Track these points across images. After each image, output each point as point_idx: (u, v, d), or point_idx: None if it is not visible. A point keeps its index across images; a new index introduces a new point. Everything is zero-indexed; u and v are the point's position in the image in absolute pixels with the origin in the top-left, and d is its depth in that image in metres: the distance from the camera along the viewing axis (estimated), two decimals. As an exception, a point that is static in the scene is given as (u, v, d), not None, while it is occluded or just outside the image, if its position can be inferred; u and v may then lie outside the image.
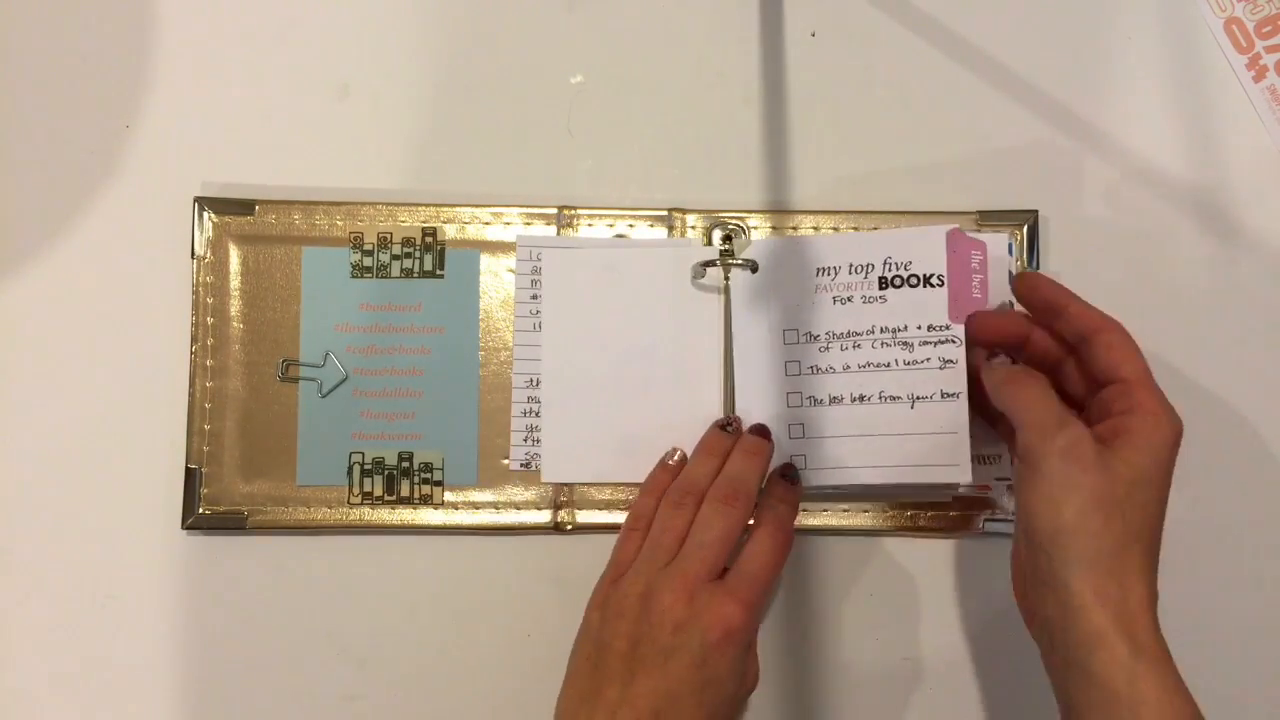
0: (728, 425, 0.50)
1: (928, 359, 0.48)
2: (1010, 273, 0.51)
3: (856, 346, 0.49)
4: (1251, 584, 0.51)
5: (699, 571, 0.43)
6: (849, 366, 0.49)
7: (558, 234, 0.52)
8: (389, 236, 0.52)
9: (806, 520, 0.51)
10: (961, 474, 0.47)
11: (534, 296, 0.52)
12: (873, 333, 0.49)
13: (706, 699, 0.42)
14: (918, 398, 0.48)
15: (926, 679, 0.51)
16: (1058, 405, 0.41)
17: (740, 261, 0.51)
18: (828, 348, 0.50)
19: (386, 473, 0.51)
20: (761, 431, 0.49)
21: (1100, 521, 0.39)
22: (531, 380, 0.51)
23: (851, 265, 0.50)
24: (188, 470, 0.50)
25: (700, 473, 0.48)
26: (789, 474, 0.49)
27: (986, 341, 0.47)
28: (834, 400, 0.49)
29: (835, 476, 0.49)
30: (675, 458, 0.50)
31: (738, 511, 0.45)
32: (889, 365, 0.49)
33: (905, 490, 0.50)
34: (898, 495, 0.51)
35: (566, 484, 0.51)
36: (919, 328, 0.48)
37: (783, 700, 0.51)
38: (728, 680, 0.43)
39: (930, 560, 0.51)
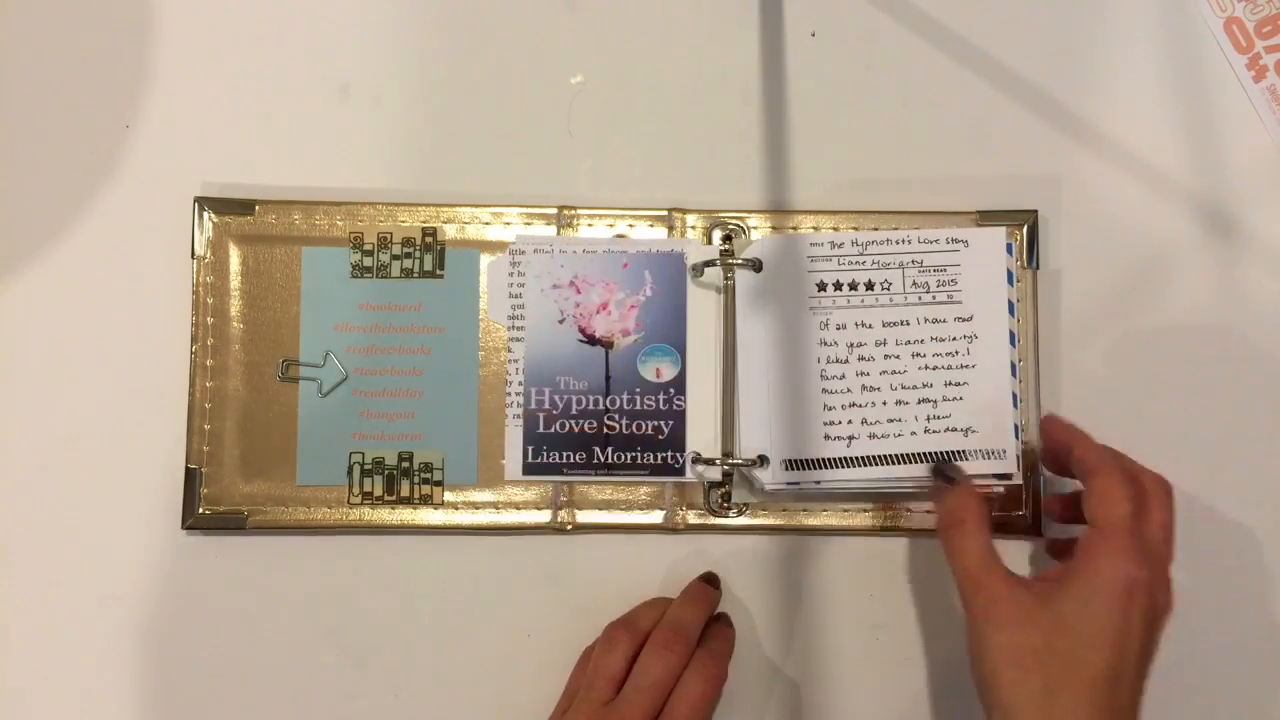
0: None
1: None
2: (1010, 272, 0.51)
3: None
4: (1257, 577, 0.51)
5: (634, 717, 0.44)
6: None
7: (558, 234, 0.52)
8: (389, 236, 0.52)
9: (806, 520, 0.51)
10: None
11: (519, 297, 0.52)
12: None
13: None
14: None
15: (927, 679, 0.51)
16: (982, 558, 0.43)
17: (742, 261, 0.51)
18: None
19: (386, 473, 0.51)
20: (710, 580, 0.50)
21: (1015, 676, 0.40)
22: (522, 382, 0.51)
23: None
24: (188, 470, 0.50)
25: (645, 614, 0.48)
26: (711, 579, 0.50)
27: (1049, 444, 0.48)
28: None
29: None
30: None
31: (675, 656, 0.46)
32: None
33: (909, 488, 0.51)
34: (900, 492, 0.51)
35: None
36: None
37: (783, 700, 0.51)
38: None
39: (930, 560, 0.51)
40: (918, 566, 0.51)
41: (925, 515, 0.51)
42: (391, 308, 0.52)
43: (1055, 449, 0.47)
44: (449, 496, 0.51)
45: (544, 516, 0.51)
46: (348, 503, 0.51)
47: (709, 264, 0.51)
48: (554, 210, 0.52)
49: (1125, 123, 0.54)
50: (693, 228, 0.52)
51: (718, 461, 0.50)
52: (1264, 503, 0.52)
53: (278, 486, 0.51)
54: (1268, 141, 0.54)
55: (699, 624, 0.48)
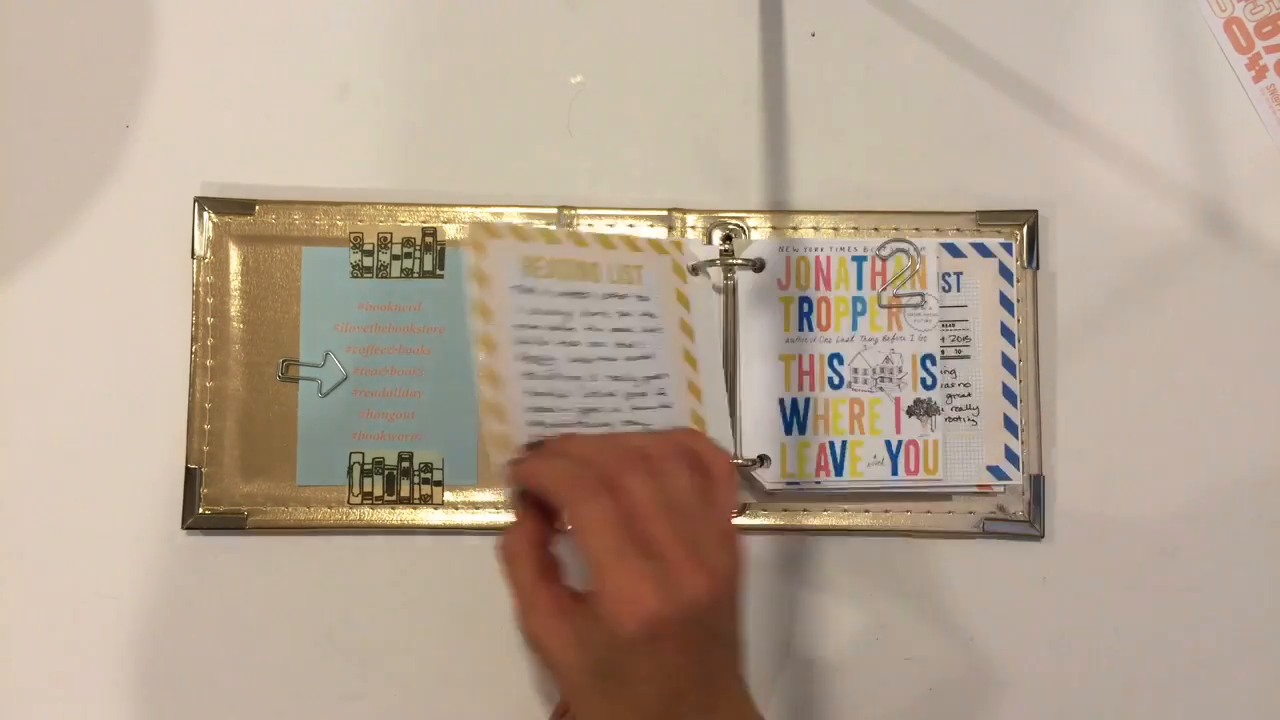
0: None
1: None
2: (1011, 273, 0.51)
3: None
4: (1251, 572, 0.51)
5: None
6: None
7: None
8: (389, 236, 0.52)
9: (806, 520, 0.51)
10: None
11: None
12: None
13: None
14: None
15: (927, 679, 0.51)
16: (524, 587, 0.39)
17: (742, 261, 0.51)
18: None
19: (386, 473, 0.51)
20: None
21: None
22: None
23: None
24: (188, 470, 0.50)
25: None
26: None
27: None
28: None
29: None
30: None
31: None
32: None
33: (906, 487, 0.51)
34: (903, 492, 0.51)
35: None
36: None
37: (783, 700, 0.51)
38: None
39: (930, 560, 0.51)
40: (918, 567, 0.51)
41: (925, 515, 0.51)
42: (391, 308, 0.52)
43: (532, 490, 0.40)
44: (449, 496, 0.51)
45: (544, 516, 0.51)
46: (348, 503, 0.51)
47: (709, 264, 0.51)
48: (554, 210, 0.52)
49: (1125, 123, 0.54)
50: (693, 228, 0.52)
51: (718, 461, 0.50)
52: (1263, 501, 0.52)
53: (278, 486, 0.51)
54: (1268, 141, 0.54)
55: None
